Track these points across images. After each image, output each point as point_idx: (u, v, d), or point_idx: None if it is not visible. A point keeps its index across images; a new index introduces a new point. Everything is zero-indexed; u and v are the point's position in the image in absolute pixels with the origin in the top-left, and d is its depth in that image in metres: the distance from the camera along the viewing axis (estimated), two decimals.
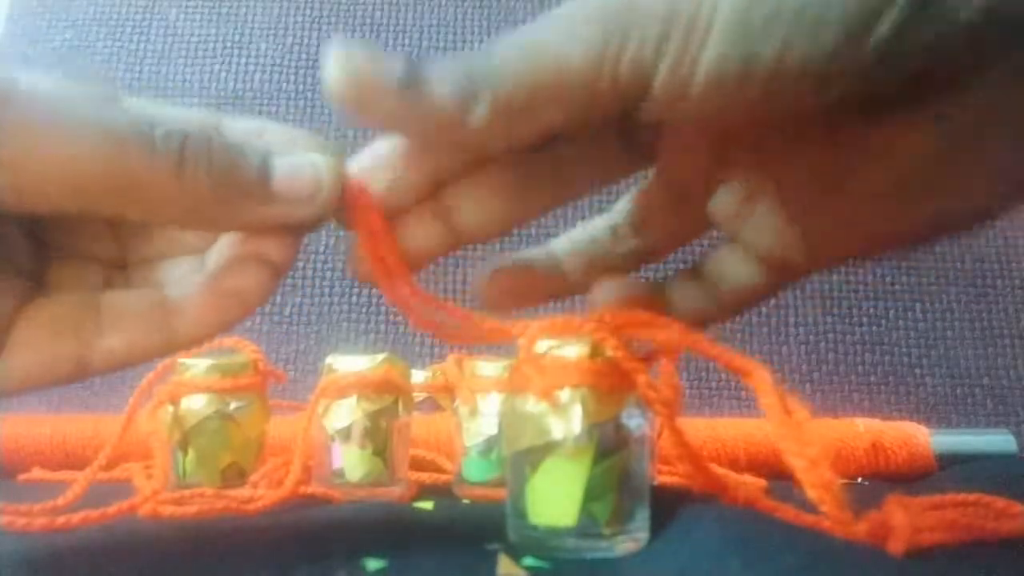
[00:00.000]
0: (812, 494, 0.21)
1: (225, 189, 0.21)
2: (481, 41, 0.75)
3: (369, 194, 0.24)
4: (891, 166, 0.22)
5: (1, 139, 0.18)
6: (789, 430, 0.20)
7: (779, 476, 0.45)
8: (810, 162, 0.23)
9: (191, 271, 0.25)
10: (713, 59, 0.19)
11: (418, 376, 0.46)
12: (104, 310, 0.23)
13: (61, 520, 0.28)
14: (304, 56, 0.74)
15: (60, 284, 0.24)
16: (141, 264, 0.26)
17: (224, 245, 0.25)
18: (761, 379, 0.22)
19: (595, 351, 0.24)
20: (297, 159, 0.23)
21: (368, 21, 0.76)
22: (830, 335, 0.64)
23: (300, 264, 0.66)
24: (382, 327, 0.65)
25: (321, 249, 0.67)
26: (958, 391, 0.63)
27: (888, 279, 0.66)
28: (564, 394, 0.24)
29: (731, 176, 0.25)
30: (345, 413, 0.38)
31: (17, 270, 0.23)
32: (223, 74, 0.74)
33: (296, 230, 0.24)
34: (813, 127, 0.22)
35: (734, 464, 0.48)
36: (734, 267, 0.26)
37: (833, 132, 0.22)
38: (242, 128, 0.25)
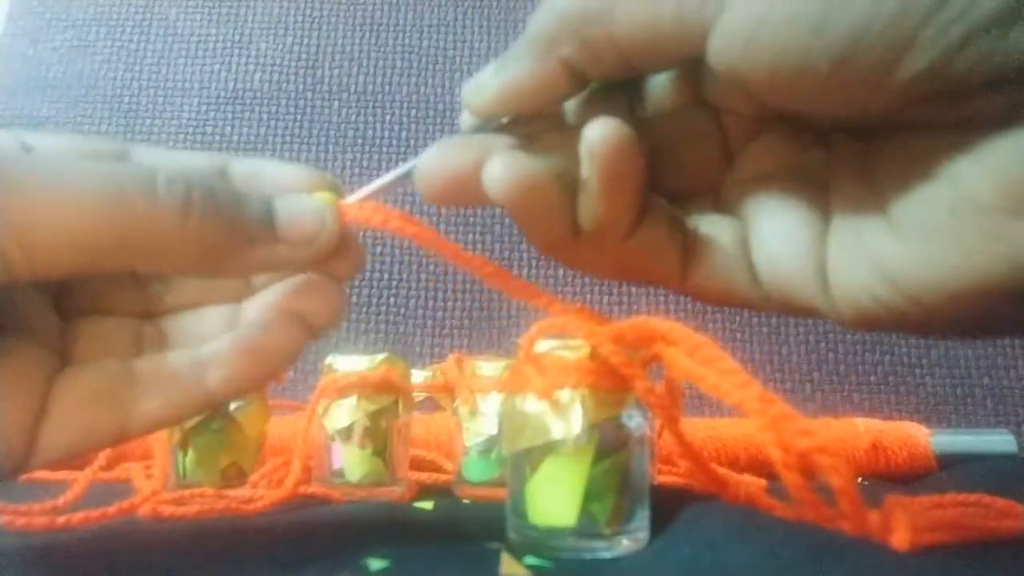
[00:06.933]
0: (790, 487, 0.20)
1: (230, 234, 0.21)
2: (481, 41, 0.75)
3: (379, 207, 0.24)
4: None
5: (6, 207, 0.19)
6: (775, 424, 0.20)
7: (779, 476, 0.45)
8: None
9: (225, 322, 0.25)
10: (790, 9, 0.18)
11: (418, 376, 0.46)
12: (139, 376, 0.23)
13: (61, 520, 0.28)
14: (304, 56, 0.74)
15: (89, 348, 0.24)
16: (172, 316, 0.26)
17: (262, 299, 0.25)
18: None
19: (595, 352, 0.24)
20: (298, 200, 0.23)
21: (368, 21, 0.76)
22: (830, 335, 0.64)
23: None
24: (382, 327, 0.65)
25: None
26: (958, 391, 0.63)
27: None
28: (564, 394, 0.24)
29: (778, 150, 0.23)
30: (345, 413, 0.38)
31: (42, 341, 0.23)
32: (223, 74, 0.74)
33: (324, 273, 0.24)
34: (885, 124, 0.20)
35: (734, 464, 0.48)
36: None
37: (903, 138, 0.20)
38: (244, 168, 0.25)
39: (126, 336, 0.25)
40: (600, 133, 0.21)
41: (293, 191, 0.24)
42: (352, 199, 0.24)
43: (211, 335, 0.24)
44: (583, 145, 0.21)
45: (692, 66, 0.22)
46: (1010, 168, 0.18)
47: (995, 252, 0.18)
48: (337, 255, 0.23)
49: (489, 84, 0.22)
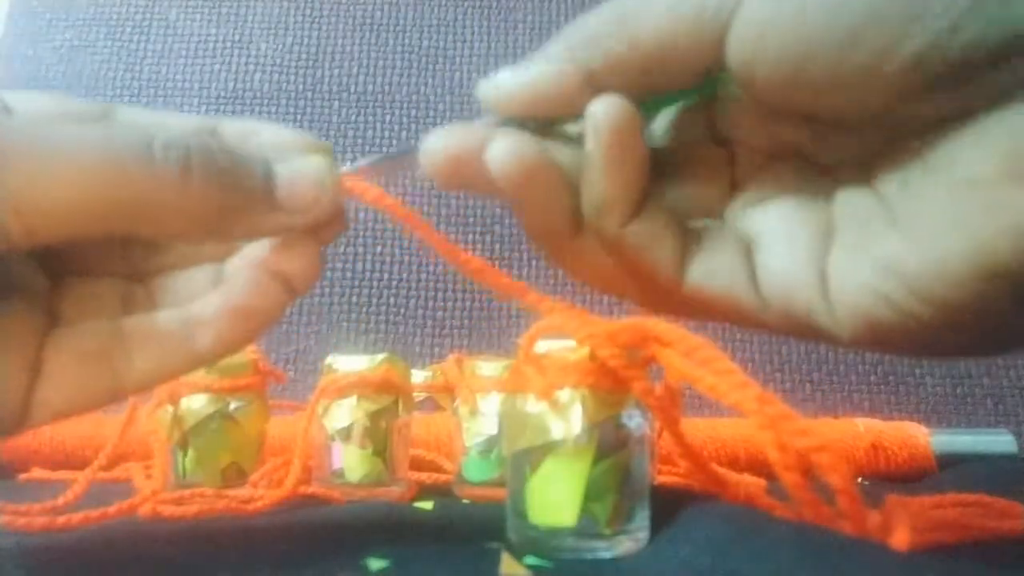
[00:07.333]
0: (787, 485, 0.20)
1: (230, 199, 0.21)
2: (481, 41, 0.75)
3: (369, 185, 0.24)
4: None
5: (2, 177, 0.18)
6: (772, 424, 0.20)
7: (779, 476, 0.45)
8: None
9: (210, 281, 0.25)
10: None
11: (418, 376, 0.46)
12: (129, 336, 0.23)
13: (61, 520, 0.28)
14: (304, 56, 0.74)
15: (79, 309, 0.24)
16: (158, 276, 0.26)
17: (242, 259, 0.25)
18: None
19: (595, 351, 0.24)
20: (297, 165, 0.23)
21: (368, 21, 0.76)
22: None
23: None
24: (382, 327, 0.65)
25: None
26: (958, 391, 0.63)
27: None
28: (564, 394, 0.24)
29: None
30: (345, 413, 0.38)
31: (31, 302, 0.23)
32: (223, 74, 0.74)
33: (306, 235, 0.24)
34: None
35: (734, 464, 0.48)
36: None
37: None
38: (236, 129, 0.24)
39: (115, 296, 0.25)
40: (604, 107, 0.22)
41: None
42: (348, 169, 0.24)
43: (198, 294, 0.24)
44: (588, 121, 0.22)
45: (706, 100, 0.23)
46: (1008, 139, 0.18)
47: (998, 225, 0.18)
48: (327, 222, 0.24)
49: (506, 82, 0.23)
